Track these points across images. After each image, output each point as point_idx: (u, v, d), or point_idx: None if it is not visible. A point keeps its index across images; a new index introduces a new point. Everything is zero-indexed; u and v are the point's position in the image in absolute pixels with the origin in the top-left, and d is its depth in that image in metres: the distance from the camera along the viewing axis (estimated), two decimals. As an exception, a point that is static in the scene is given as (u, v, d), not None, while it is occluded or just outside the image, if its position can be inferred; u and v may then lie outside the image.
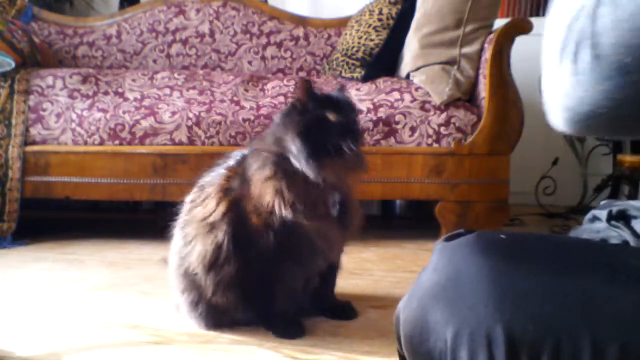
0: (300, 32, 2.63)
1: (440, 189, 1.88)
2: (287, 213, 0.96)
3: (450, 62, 1.92)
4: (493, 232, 0.54)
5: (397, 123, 1.88)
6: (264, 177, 0.99)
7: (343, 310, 1.13)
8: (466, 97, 1.94)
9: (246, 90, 1.93)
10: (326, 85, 1.93)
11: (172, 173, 1.86)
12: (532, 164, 2.64)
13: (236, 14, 2.63)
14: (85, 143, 1.88)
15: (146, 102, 1.90)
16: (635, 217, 0.60)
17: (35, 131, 1.89)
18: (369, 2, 2.30)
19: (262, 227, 0.98)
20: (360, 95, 1.91)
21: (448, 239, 0.53)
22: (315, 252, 1.02)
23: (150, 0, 2.68)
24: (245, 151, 1.08)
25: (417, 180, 1.88)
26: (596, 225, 0.63)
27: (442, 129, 1.88)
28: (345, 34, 2.26)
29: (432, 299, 0.48)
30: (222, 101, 1.90)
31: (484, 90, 1.87)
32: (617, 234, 0.60)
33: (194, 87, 1.94)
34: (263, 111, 1.89)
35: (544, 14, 1.97)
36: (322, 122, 0.98)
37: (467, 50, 1.92)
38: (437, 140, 1.88)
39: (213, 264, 1.00)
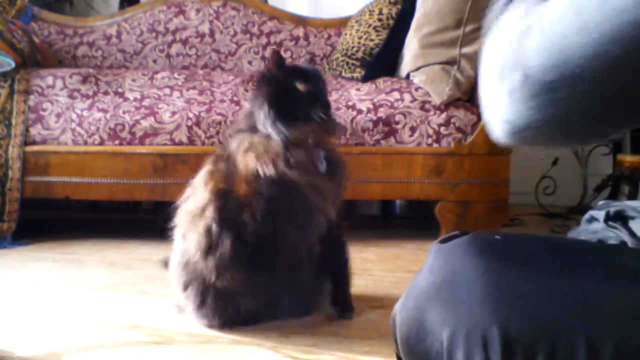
0: (300, 32, 2.63)
1: (440, 189, 1.88)
2: (270, 170, 0.98)
3: (450, 62, 1.92)
4: (488, 233, 0.55)
5: (397, 123, 1.88)
6: (243, 149, 1.02)
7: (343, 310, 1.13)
8: (466, 97, 1.94)
9: (246, 90, 1.93)
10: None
11: (172, 173, 1.86)
12: (532, 164, 2.64)
13: (236, 14, 2.63)
14: (85, 143, 1.89)
15: (146, 102, 1.90)
16: (632, 218, 0.60)
17: (35, 131, 1.89)
18: (369, 2, 2.30)
19: (251, 194, 0.99)
20: (360, 95, 1.91)
21: (443, 241, 0.54)
22: (309, 208, 1.02)
23: (150, 0, 2.68)
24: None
25: (417, 180, 1.88)
26: (594, 226, 0.64)
27: (442, 129, 1.88)
28: (345, 34, 2.26)
29: (428, 300, 0.49)
30: (222, 101, 1.91)
31: (483, 90, 1.87)
32: (614, 235, 0.60)
33: (194, 87, 1.94)
34: (263, 111, 1.89)
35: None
36: (291, 92, 1.02)
37: (467, 50, 1.92)
38: (437, 140, 1.88)
39: (209, 247, 0.99)
